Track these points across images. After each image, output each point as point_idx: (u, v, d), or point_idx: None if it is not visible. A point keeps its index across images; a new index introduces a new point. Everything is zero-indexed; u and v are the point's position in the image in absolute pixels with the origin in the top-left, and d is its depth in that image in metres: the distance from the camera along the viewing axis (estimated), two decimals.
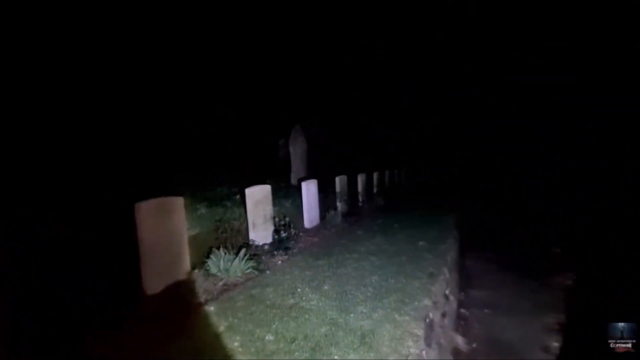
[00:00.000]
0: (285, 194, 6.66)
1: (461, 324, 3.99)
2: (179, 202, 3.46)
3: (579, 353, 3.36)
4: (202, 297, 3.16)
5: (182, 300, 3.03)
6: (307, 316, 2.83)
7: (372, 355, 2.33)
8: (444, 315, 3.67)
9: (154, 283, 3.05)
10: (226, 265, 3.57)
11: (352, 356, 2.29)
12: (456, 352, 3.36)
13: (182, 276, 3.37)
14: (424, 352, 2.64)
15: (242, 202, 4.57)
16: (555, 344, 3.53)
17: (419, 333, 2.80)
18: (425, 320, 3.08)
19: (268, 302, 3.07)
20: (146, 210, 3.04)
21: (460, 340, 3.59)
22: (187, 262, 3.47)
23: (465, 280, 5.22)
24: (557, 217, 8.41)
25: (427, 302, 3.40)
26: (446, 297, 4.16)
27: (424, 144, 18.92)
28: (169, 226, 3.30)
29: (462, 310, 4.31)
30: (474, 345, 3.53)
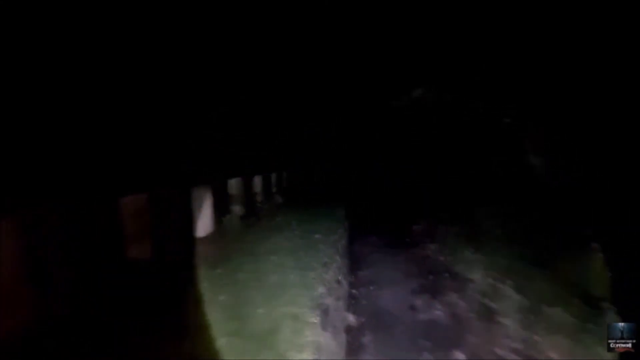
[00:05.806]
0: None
1: (352, 303, 4.55)
2: None
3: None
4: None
5: None
6: (201, 332, 2.62)
7: (272, 354, 2.38)
8: (337, 299, 4.09)
9: None
10: None
11: None
12: (348, 329, 3.81)
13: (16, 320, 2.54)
14: (320, 337, 2.88)
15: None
16: (419, 302, 4.49)
17: (315, 321, 3.03)
18: (320, 307, 3.36)
19: None
20: None
21: (351, 318, 4.09)
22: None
23: (355, 264, 5.96)
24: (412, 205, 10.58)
25: (321, 290, 3.70)
26: (339, 282, 4.64)
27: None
28: None
29: (353, 291, 4.92)
30: (362, 319, 4.09)
